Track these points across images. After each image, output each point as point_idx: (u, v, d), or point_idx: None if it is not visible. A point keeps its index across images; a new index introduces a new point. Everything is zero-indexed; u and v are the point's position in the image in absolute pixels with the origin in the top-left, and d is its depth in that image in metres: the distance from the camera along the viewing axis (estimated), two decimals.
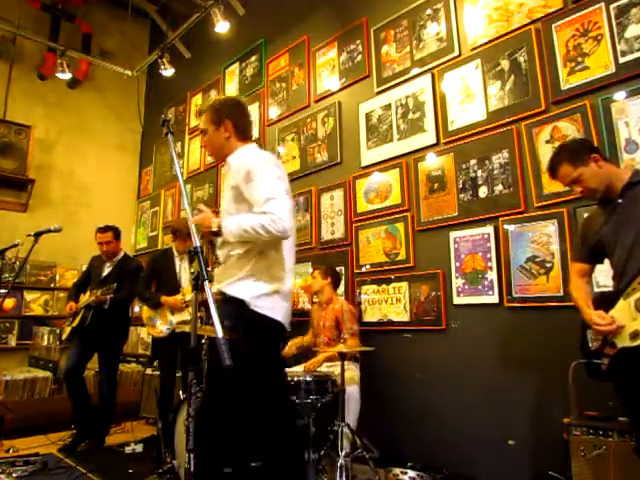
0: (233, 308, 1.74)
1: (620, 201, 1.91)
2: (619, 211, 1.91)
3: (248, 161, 1.82)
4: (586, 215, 2.31)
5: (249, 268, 1.77)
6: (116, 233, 3.95)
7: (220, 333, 1.29)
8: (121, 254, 4.00)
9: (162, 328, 3.63)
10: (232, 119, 1.93)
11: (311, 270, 3.85)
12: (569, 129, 2.74)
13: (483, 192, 3.10)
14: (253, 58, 5.18)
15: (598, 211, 2.06)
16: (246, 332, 1.68)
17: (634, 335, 1.75)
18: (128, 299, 3.98)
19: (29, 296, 5.47)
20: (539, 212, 2.82)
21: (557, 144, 2.75)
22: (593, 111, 2.66)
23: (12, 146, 5.37)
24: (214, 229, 1.72)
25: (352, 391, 3.05)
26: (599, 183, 1.95)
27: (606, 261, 2.05)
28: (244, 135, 1.96)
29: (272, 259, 1.78)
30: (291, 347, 3.53)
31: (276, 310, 1.53)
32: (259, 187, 1.71)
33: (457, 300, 3.13)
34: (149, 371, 4.63)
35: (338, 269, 3.81)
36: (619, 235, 1.89)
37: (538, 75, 2.91)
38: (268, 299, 1.73)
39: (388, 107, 3.74)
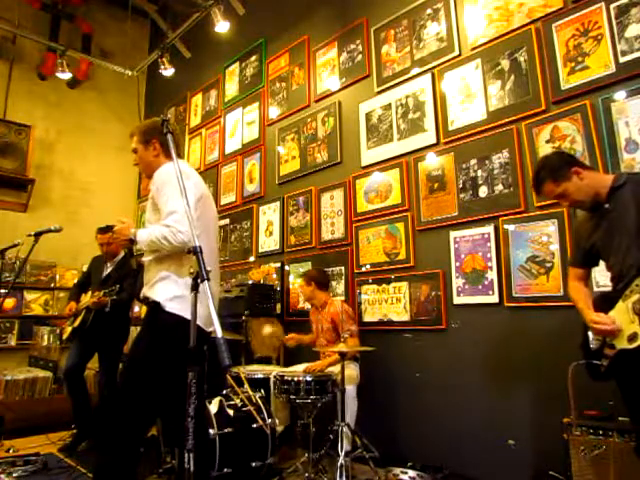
0: (152, 309, 1.95)
1: (607, 206, 1.94)
2: (608, 216, 1.94)
3: (162, 175, 2.00)
4: (577, 217, 2.32)
5: (163, 273, 1.95)
6: None
7: (220, 333, 1.31)
8: (121, 254, 3.99)
9: None
10: (159, 139, 2.14)
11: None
12: (569, 129, 2.74)
13: (483, 192, 3.10)
14: (253, 58, 5.18)
15: (587, 216, 2.09)
16: (161, 331, 1.87)
17: (632, 337, 1.76)
18: (129, 299, 3.98)
19: (29, 296, 5.47)
20: (539, 212, 2.82)
21: (557, 144, 2.76)
22: (593, 111, 2.66)
23: (12, 146, 5.37)
24: (130, 237, 1.96)
25: (349, 390, 3.05)
26: (584, 195, 1.98)
27: (602, 263, 2.06)
28: (168, 153, 2.13)
29: (183, 264, 1.94)
30: (289, 339, 3.54)
31: (189, 311, 1.58)
32: (165, 201, 1.90)
33: (457, 300, 3.12)
34: None
35: (338, 269, 3.82)
36: (612, 240, 1.92)
37: (538, 75, 2.91)
38: (181, 301, 1.88)
39: (388, 107, 3.74)
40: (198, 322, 1.82)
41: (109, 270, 3.92)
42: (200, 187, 2.10)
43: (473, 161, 3.17)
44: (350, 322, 3.24)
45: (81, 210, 6.09)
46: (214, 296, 2.13)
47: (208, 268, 1.41)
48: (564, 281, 2.65)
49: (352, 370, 3.17)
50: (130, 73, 6.06)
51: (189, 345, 1.50)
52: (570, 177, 1.98)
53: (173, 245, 1.84)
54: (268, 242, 4.59)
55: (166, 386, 1.89)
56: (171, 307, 1.88)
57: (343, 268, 3.84)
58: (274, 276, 4.39)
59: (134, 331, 5.42)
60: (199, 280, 1.48)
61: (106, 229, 3.90)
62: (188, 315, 1.65)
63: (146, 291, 2.01)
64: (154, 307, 1.93)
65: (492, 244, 3.00)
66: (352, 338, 3.18)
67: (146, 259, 2.06)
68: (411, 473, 2.88)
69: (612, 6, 2.65)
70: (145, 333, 2.01)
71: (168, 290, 1.91)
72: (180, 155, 2.30)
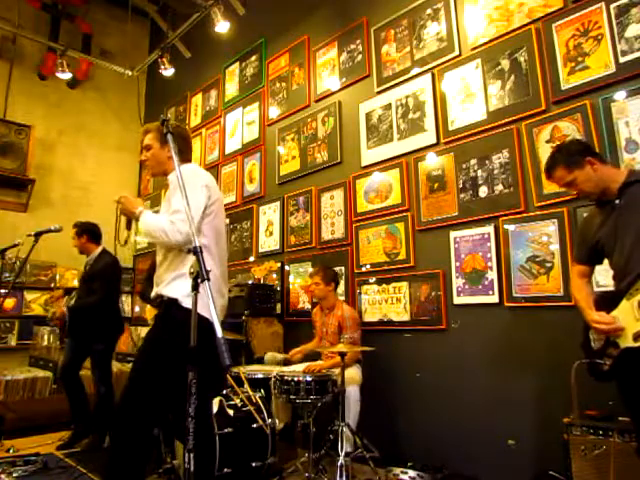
0: (169, 307, 1.99)
1: (617, 202, 1.92)
2: (617, 212, 1.91)
3: (178, 176, 2.02)
4: (585, 214, 2.31)
5: (177, 271, 2.00)
6: (81, 230, 3.78)
7: (220, 333, 1.32)
8: (95, 252, 3.78)
9: None
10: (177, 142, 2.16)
11: (310, 270, 3.84)
12: (569, 129, 2.74)
13: (483, 192, 3.10)
14: (253, 58, 5.18)
15: (595, 211, 2.06)
16: (178, 326, 1.87)
17: (637, 336, 1.75)
18: (102, 301, 3.63)
19: (29, 296, 5.48)
20: (539, 212, 2.82)
21: (558, 144, 2.76)
22: (593, 111, 2.66)
23: (12, 146, 5.37)
24: (136, 212, 1.99)
25: (352, 391, 3.04)
26: (594, 187, 1.96)
27: (605, 261, 2.05)
28: (183, 156, 2.16)
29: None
30: (296, 354, 3.52)
31: (204, 307, 1.62)
32: (177, 199, 1.94)
33: (457, 300, 3.12)
34: None
35: (338, 269, 3.81)
36: (618, 236, 1.89)
37: (538, 75, 2.91)
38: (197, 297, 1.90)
39: (388, 107, 3.74)
40: (207, 315, 1.84)
41: (84, 271, 3.83)
42: (214, 190, 2.14)
43: (473, 161, 3.17)
44: (354, 328, 3.22)
45: (81, 210, 6.08)
46: (224, 295, 2.20)
47: (223, 268, 1.38)
48: (564, 281, 2.65)
49: (354, 371, 3.17)
50: (130, 73, 6.06)
51: (205, 340, 1.51)
52: (583, 166, 1.96)
53: (169, 242, 1.89)
54: (268, 242, 4.59)
55: (179, 382, 1.89)
56: (188, 303, 1.89)
57: (343, 268, 3.84)
58: (274, 276, 4.39)
59: (133, 331, 5.45)
60: (199, 280, 1.48)
61: (74, 225, 3.80)
62: (204, 312, 1.69)
63: (161, 289, 2.03)
64: (170, 304, 1.97)
65: (492, 244, 2.99)
66: (353, 345, 3.16)
67: (158, 257, 2.09)
68: (411, 473, 2.89)
69: (612, 6, 2.65)
70: (160, 329, 2.03)
71: (185, 287, 1.91)
72: (189, 159, 2.32)
